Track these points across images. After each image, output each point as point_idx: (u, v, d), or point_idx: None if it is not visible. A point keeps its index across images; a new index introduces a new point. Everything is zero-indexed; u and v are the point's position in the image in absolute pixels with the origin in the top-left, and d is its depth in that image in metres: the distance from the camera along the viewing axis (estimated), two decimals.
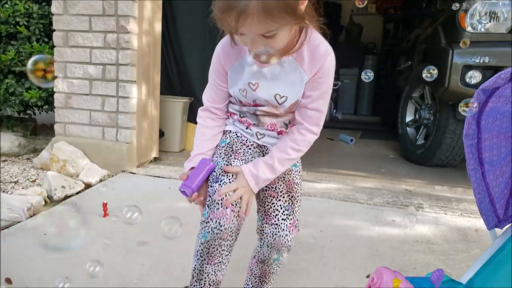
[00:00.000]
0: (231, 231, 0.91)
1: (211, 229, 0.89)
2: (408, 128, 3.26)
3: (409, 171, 2.82)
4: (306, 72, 0.88)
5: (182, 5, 2.78)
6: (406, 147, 3.23)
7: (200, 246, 0.93)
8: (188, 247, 1.30)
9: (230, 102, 1.00)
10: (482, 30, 2.38)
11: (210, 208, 0.91)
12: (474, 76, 2.40)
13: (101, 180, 2.20)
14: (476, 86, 2.40)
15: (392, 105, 4.74)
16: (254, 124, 0.97)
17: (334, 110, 6.37)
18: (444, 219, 1.85)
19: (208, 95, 1.00)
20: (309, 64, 0.87)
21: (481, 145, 0.80)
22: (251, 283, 1.10)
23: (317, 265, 1.40)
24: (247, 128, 0.98)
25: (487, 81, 0.70)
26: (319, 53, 0.87)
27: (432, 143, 2.83)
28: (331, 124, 5.74)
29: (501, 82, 0.69)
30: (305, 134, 0.92)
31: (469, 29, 2.41)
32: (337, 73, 6.45)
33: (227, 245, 0.93)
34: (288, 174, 1.00)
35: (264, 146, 1.00)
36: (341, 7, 6.84)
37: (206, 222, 0.91)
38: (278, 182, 0.99)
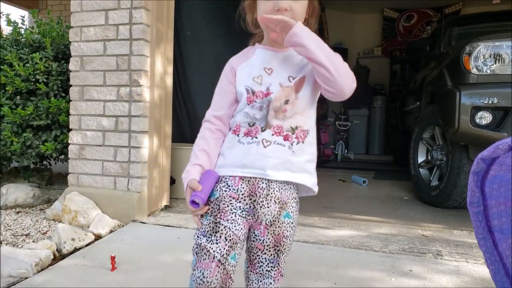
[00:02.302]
0: (214, 286, 0.89)
1: (196, 278, 0.90)
2: (421, 169, 3.21)
3: (424, 214, 2.75)
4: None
5: (193, 57, 2.90)
6: (420, 188, 3.17)
7: None
8: None
9: (234, 116, 1.01)
10: (488, 72, 2.39)
11: (198, 256, 0.92)
12: (484, 117, 2.39)
13: (111, 231, 2.20)
14: (486, 126, 2.39)
15: (404, 143, 4.72)
16: (262, 128, 0.94)
17: (346, 151, 6.36)
18: (466, 268, 1.77)
19: (211, 104, 1.04)
20: None
21: (488, 213, 0.77)
22: None
23: None
24: (252, 138, 0.95)
25: (485, 150, 0.69)
26: None
27: (447, 184, 2.77)
28: (343, 164, 5.73)
29: (500, 153, 0.68)
30: None
31: (474, 71, 2.44)
32: (346, 114, 6.52)
33: None
34: (278, 227, 0.97)
35: (254, 197, 0.95)
36: (348, 51, 7.03)
37: (193, 270, 0.92)
38: (266, 235, 0.97)
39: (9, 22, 2.93)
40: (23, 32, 2.93)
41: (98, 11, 2.44)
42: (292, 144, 0.95)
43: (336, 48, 6.90)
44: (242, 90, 0.98)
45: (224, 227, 0.92)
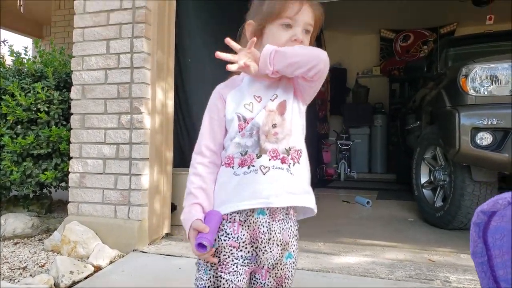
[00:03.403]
0: None
1: None
2: (424, 190, 3.19)
3: (430, 236, 2.71)
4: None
5: (194, 83, 2.92)
6: (424, 209, 3.13)
7: None
8: None
9: (225, 148, 0.98)
10: (486, 93, 2.41)
11: None
12: (484, 138, 2.38)
13: (111, 262, 2.16)
14: (487, 147, 2.38)
15: (406, 162, 4.71)
16: (257, 155, 0.92)
17: (349, 170, 6.34)
18: None
19: (200, 135, 1.01)
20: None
21: (492, 262, 0.75)
22: None
23: None
24: (249, 167, 0.92)
25: (485, 203, 0.69)
26: None
27: (451, 205, 2.74)
28: (346, 184, 5.69)
29: (499, 207, 0.68)
30: None
31: (472, 92, 2.45)
32: (347, 133, 6.53)
33: None
34: (281, 269, 0.95)
35: (256, 243, 0.92)
36: (346, 71, 7.11)
37: None
38: (268, 278, 0.94)
39: (12, 53, 2.98)
40: (25, 61, 2.96)
41: (100, 41, 2.47)
42: (289, 166, 0.93)
43: (335, 68, 6.99)
44: (233, 117, 0.96)
45: (226, 280, 0.90)
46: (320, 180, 5.91)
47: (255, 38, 0.92)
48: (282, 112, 0.95)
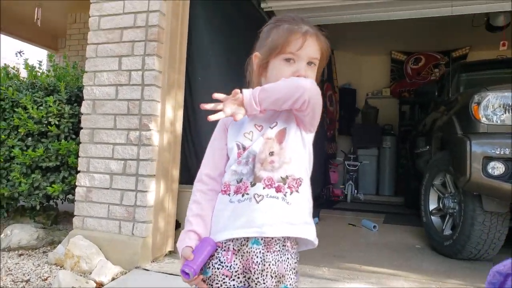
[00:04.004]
0: None
1: None
2: (432, 217, 3.12)
3: (438, 266, 2.64)
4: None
5: (203, 102, 2.94)
6: (432, 237, 3.06)
7: None
8: None
9: (224, 173, 1.00)
10: (498, 122, 2.37)
11: None
12: (496, 167, 2.34)
13: (113, 279, 2.14)
14: (499, 177, 2.33)
15: (414, 185, 4.64)
16: (251, 183, 0.92)
17: (356, 191, 6.28)
18: None
19: (203, 163, 1.05)
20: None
21: None
22: None
23: None
24: (243, 195, 0.93)
25: (501, 264, 0.70)
26: None
27: (460, 235, 2.68)
28: (353, 206, 5.62)
29: None
30: None
31: (484, 120, 2.42)
32: (355, 153, 6.49)
33: None
34: None
35: (249, 273, 0.91)
36: (356, 92, 7.11)
37: None
38: None
39: (26, 66, 3.04)
40: (39, 75, 3.02)
41: (112, 57, 2.51)
42: (285, 195, 0.92)
43: (344, 88, 7.00)
44: (233, 146, 0.98)
45: None
46: (327, 201, 5.85)
47: (237, 90, 0.92)
48: (280, 140, 0.96)
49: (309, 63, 0.99)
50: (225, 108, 0.89)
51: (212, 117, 0.88)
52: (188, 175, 2.96)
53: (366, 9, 3.87)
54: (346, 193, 6.14)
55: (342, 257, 2.72)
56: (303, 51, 0.97)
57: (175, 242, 2.62)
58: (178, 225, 2.73)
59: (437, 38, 5.99)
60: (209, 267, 0.93)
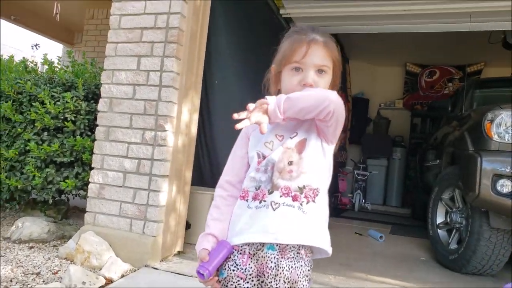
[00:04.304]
0: None
1: None
2: (439, 230, 3.12)
3: (442, 279, 2.65)
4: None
5: (219, 105, 2.97)
6: (438, 250, 3.07)
7: None
8: None
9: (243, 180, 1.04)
10: (510, 140, 2.38)
11: None
12: (505, 185, 2.35)
13: (122, 275, 2.18)
14: (508, 195, 2.34)
15: (422, 198, 4.63)
16: (269, 191, 0.95)
17: (363, 200, 6.27)
18: None
19: (224, 169, 1.09)
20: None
21: None
22: None
23: None
24: (260, 202, 0.96)
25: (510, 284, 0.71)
26: None
27: (466, 249, 2.68)
28: (360, 215, 5.62)
29: None
30: None
31: (496, 138, 2.43)
32: (365, 163, 6.48)
33: None
34: None
35: (263, 277, 0.94)
36: (369, 101, 7.10)
37: None
38: None
39: (45, 61, 3.10)
40: (57, 70, 3.08)
41: (131, 57, 2.55)
42: (301, 205, 0.94)
43: (357, 98, 6.99)
44: (254, 155, 1.02)
45: None
46: (334, 209, 5.85)
47: (263, 100, 0.94)
48: (300, 151, 0.98)
49: (319, 71, 1.01)
50: (251, 116, 0.91)
51: (238, 126, 0.90)
52: (200, 178, 3.00)
53: (383, 20, 3.89)
54: (354, 202, 6.13)
55: (349, 266, 2.74)
56: (307, 59, 0.99)
57: (185, 242, 2.67)
58: (188, 226, 2.76)
59: (453, 52, 5.96)
60: (225, 269, 0.96)
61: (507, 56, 4.94)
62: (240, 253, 0.96)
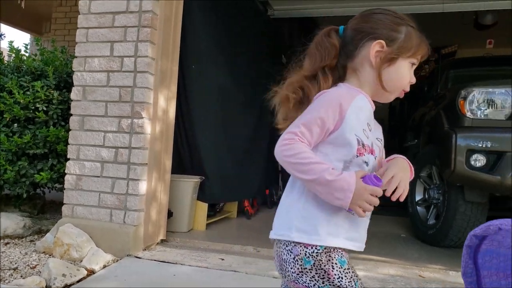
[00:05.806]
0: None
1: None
2: (418, 207, 3.22)
3: (421, 253, 2.73)
4: None
5: (196, 90, 2.93)
6: (417, 227, 3.16)
7: None
8: None
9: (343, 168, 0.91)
10: (482, 116, 2.45)
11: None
12: (478, 160, 2.43)
13: (104, 266, 2.14)
14: (481, 169, 2.42)
15: None
16: None
17: None
18: None
19: (306, 127, 0.88)
20: None
21: (481, 282, 0.82)
22: None
23: None
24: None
25: (478, 228, 0.75)
26: None
27: (443, 224, 2.78)
28: None
29: (490, 232, 0.74)
30: None
31: (469, 114, 2.50)
32: None
33: None
34: None
35: None
36: None
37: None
38: None
39: (11, 49, 2.96)
40: (25, 59, 2.94)
41: (104, 43, 2.47)
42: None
43: None
44: (352, 139, 0.88)
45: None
46: None
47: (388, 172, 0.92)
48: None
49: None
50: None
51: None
52: (179, 165, 2.96)
53: (358, 2, 3.90)
54: None
55: None
56: (422, 58, 1.00)
57: (167, 231, 2.64)
58: (171, 214, 2.73)
59: (427, 35, 6.04)
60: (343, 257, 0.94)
61: (479, 37, 5.06)
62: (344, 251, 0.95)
